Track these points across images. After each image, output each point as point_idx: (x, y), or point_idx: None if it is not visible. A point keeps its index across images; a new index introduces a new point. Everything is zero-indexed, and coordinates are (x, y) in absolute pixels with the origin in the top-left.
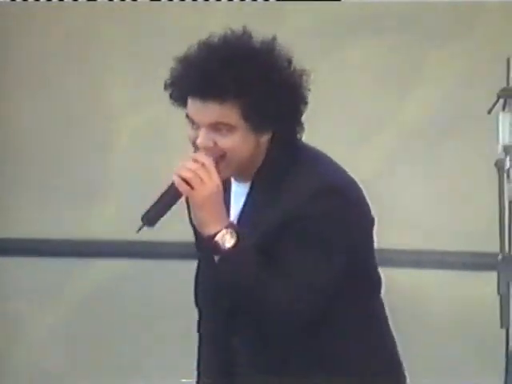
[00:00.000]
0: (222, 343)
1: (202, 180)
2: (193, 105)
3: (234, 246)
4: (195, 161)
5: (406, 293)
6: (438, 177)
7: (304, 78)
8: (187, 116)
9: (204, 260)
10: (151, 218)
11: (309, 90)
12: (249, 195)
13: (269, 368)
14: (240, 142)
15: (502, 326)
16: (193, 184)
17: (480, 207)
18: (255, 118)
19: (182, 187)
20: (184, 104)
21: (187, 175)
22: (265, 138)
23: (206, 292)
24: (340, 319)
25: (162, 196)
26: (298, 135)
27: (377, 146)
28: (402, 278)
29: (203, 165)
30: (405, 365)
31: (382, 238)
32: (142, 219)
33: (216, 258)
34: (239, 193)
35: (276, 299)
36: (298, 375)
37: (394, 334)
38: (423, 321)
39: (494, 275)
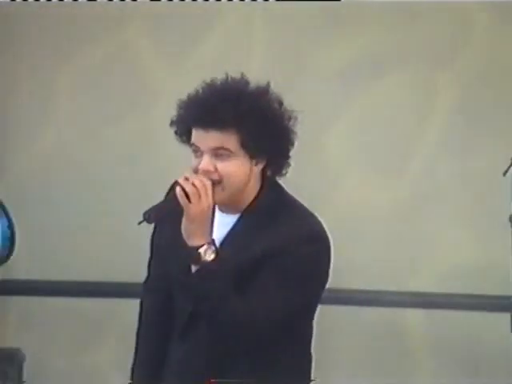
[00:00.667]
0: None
1: (199, 197)
2: (197, 134)
3: (213, 261)
4: (199, 180)
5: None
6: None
7: (292, 118)
8: (191, 146)
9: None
10: (151, 217)
11: (295, 131)
12: (235, 225)
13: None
14: (237, 167)
15: None
16: (191, 198)
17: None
18: (251, 146)
19: (182, 199)
20: (188, 139)
21: (189, 190)
22: (258, 169)
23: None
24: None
25: (163, 201)
26: (285, 171)
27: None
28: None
29: (204, 185)
30: None
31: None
32: (144, 215)
33: (193, 268)
34: (223, 223)
35: (236, 311)
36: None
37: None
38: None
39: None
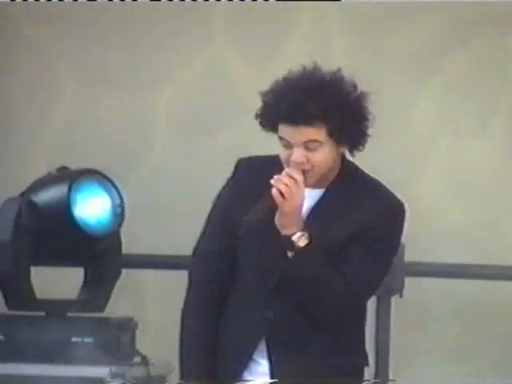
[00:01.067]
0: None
1: (292, 193)
2: (286, 129)
3: (307, 245)
4: (290, 176)
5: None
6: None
7: (368, 98)
8: (280, 138)
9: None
10: (251, 221)
11: (370, 110)
12: (321, 200)
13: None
14: (326, 154)
15: None
16: (285, 196)
17: None
18: (338, 133)
19: (278, 198)
20: (274, 129)
21: (283, 189)
22: (342, 151)
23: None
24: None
25: (260, 203)
26: (362, 147)
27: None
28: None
29: (296, 181)
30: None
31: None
32: (245, 223)
33: (290, 253)
34: (310, 197)
35: (335, 287)
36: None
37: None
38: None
39: None
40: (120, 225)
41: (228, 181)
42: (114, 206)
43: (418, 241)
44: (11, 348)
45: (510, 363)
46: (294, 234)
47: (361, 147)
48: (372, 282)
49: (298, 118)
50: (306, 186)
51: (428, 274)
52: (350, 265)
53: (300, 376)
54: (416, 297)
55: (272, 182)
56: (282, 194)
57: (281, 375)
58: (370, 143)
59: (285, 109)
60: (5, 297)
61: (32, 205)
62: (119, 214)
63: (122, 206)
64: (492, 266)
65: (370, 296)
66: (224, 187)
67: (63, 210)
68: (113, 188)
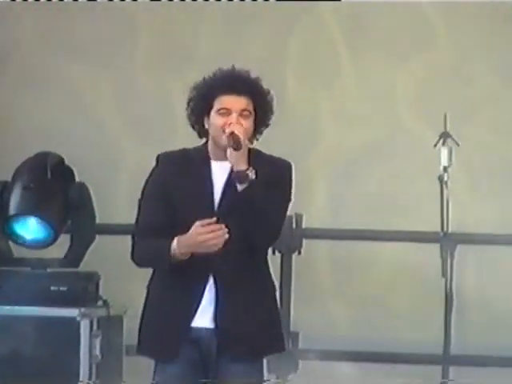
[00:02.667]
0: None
1: (241, 134)
2: (227, 99)
3: (255, 178)
4: (237, 123)
5: None
6: None
7: (272, 96)
8: (219, 110)
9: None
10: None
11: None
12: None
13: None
14: (251, 124)
15: (442, 276)
16: (241, 137)
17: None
18: (258, 111)
19: (234, 137)
20: (205, 110)
21: (239, 130)
22: (252, 131)
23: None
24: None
25: (229, 141)
26: (261, 133)
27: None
28: None
29: (243, 128)
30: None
31: None
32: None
33: (241, 187)
34: (218, 171)
35: (273, 215)
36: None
37: None
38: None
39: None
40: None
41: (152, 170)
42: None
43: (313, 209)
44: (5, 295)
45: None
46: (248, 168)
47: (259, 134)
48: (283, 215)
49: (239, 88)
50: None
51: (320, 237)
52: (271, 201)
53: (240, 315)
54: (310, 255)
55: (230, 129)
56: (233, 134)
57: (224, 313)
58: None
59: (227, 82)
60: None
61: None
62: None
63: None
64: (381, 231)
65: (281, 229)
66: (150, 176)
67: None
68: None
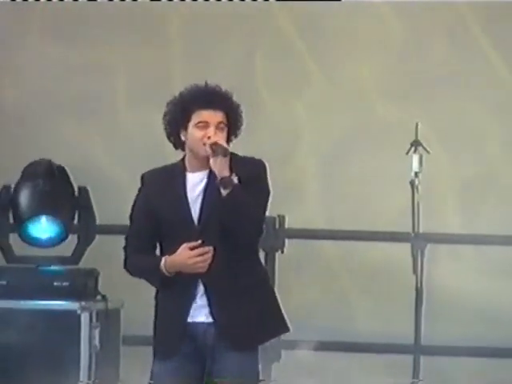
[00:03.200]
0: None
1: (223, 143)
2: (205, 113)
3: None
4: (220, 138)
5: None
6: None
7: (241, 108)
8: (198, 124)
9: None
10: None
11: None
12: (209, 178)
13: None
14: (225, 135)
15: (413, 273)
16: (224, 147)
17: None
18: (232, 123)
19: (220, 148)
20: (182, 122)
21: (222, 142)
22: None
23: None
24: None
25: (215, 150)
26: (234, 138)
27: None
28: None
29: (223, 139)
30: None
31: None
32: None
33: (225, 192)
34: (195, 181)
35: (255, 213)
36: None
37: None
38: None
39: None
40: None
41: (139, 190)
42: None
43: (295, 210)
44: (11, 290)
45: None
46: (231, 174)
47: (233, 138)
48: (264, 213)
49: (216, 103)
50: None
51: (302, 237)
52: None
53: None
54: (293, 254)
55: (206, 140)
56: (217, 144)
57: (217, 304)
58: None
59: (204, 97)
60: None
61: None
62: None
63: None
64: (360, 231)
65: (263, 224)
66: (137, 195)
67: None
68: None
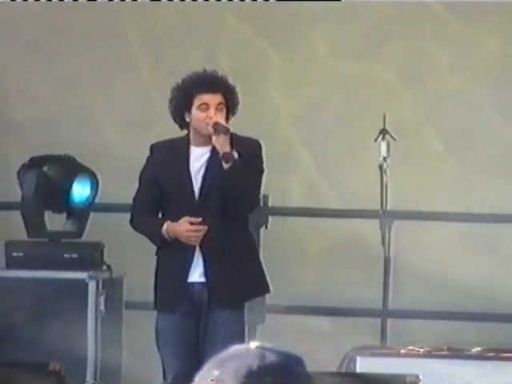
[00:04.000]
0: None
1: (224, 122)
2: (206, 97)
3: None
4: (220, 118)
5: None
6: None
7: (235, 87)
8: (200, 106)
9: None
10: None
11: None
12: (212, 154)
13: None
14: (224, 115)
15: (382, 245)
16: (225, 126)
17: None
18: (230, 103)
19: (225, 126)
20: (185, 105)
21: (223, 121)
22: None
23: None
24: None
25: (217, 129)
26: (232, 116)
27: None
28: None
29: (223, 118)
30: None
31: None
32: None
33: (227, 166)
34: (198, 155)
35: (253, 186)
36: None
37: None
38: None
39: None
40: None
41: (147, 159)
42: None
43: (280, 191)
44: (27, 261)
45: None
46: (231, 150)
47: (231, 117)
48: (259, 187)
49: (214, 87)
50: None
51: (283, 214)
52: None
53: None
54: (278, 230)
55: (208, 121)
56: (218, 123)
57: (212, 271)
58: None
59: (205, 82)
60: (27, 229)
61: (44, 174)
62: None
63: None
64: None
65: (258, 196)
66: (146, 163)
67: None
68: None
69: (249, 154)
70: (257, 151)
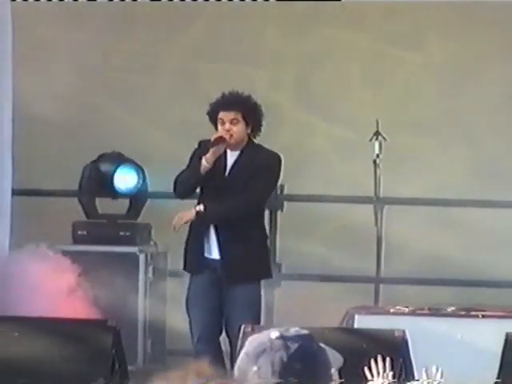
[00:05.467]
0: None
1: (235, 133)
2: (223, 113)
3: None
4: (237, 130)
5: None
6: None
7: (260, 107)
8: (219, 120)
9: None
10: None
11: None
12: (239, 156)
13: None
14: (240, 129)
15: (375, 225)
16: (225, 139)
17: None
18: (248, 119)
19: (225, 136)
20: (214, 119)
21: (225, 133)
22: (248, 130)
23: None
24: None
25: (213, 143)
26: (259, 133)
27: None
28: None
29: (235, 131)
30: None
31: None
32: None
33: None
34: (232, 155)
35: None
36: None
37: None
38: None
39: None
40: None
41: (194, 150)
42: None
43: (294, 180)
44: (90, 238)
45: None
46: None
47: (258, 132)
48: (266, 193)
49: (228, 106)
50: (230, 145)
51: (295, 200)
52: (254, 185)
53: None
54: (293, 212)
55: (220, 135)
56: (222, 136)
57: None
58: None
59: (223, 102)
60: (86, 214)
61: (97, 169)
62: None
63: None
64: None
65: (265, 200)
66: (193, 153)
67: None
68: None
69: (264, 162)
70: (274, 163)
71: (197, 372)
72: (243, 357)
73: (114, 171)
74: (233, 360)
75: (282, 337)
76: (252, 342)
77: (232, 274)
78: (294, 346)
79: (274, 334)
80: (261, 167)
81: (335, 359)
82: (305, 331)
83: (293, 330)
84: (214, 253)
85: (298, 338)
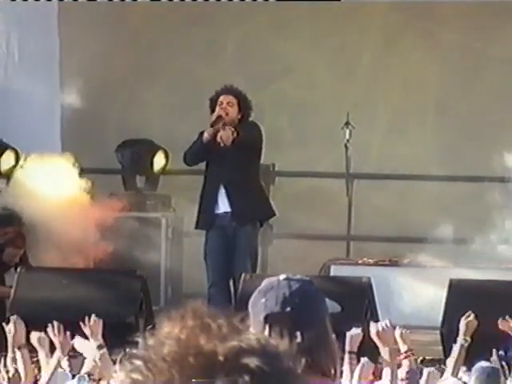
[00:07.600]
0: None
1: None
2: (224, 96)
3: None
4: (233, 111)
5: None
6: None
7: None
8: (220, 103)
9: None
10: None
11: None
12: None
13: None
14: (234, 110)
15: (346, 195)
16: (222, 118)
17: None
18: (241, 105)
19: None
20: (215, 102)
21: (224, 110)
22: (238, 116)
23: None
24: None
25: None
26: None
27: None
28: None
29: (231, 111)
30: None
31: None
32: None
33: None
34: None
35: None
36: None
37: None
38: None
39: None
40: None
41: (199, 135)
42: None
43: (283, 160)
44: (123, 206)
45: None
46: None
47: (249, 111)
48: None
49: (226, 91)
50: (226, 122)
51: (285, 175)
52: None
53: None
54: (282, 186)
55: (219, 111)
56: (222, 115)
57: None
58: None
59: (225, 90)
60: (124, 185)
61: (136, 152)
62: None
63: None
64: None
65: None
66: (198, 137)
67: None
68: None
69: (255, 135)
70: (260, 133)
71: (193, 311)
72: (256, 292)
73: (151, 155)
74: (236, 301)
75: (287, 278)
76: (265, 282)
77: (242, 218)
78: (295, 286)
79: (282, 276)
80: (251, 136)
81: (332, 305)
82: (306, 278)
83: (297, 276)
84: (224, 207)
85: (300, 280)
